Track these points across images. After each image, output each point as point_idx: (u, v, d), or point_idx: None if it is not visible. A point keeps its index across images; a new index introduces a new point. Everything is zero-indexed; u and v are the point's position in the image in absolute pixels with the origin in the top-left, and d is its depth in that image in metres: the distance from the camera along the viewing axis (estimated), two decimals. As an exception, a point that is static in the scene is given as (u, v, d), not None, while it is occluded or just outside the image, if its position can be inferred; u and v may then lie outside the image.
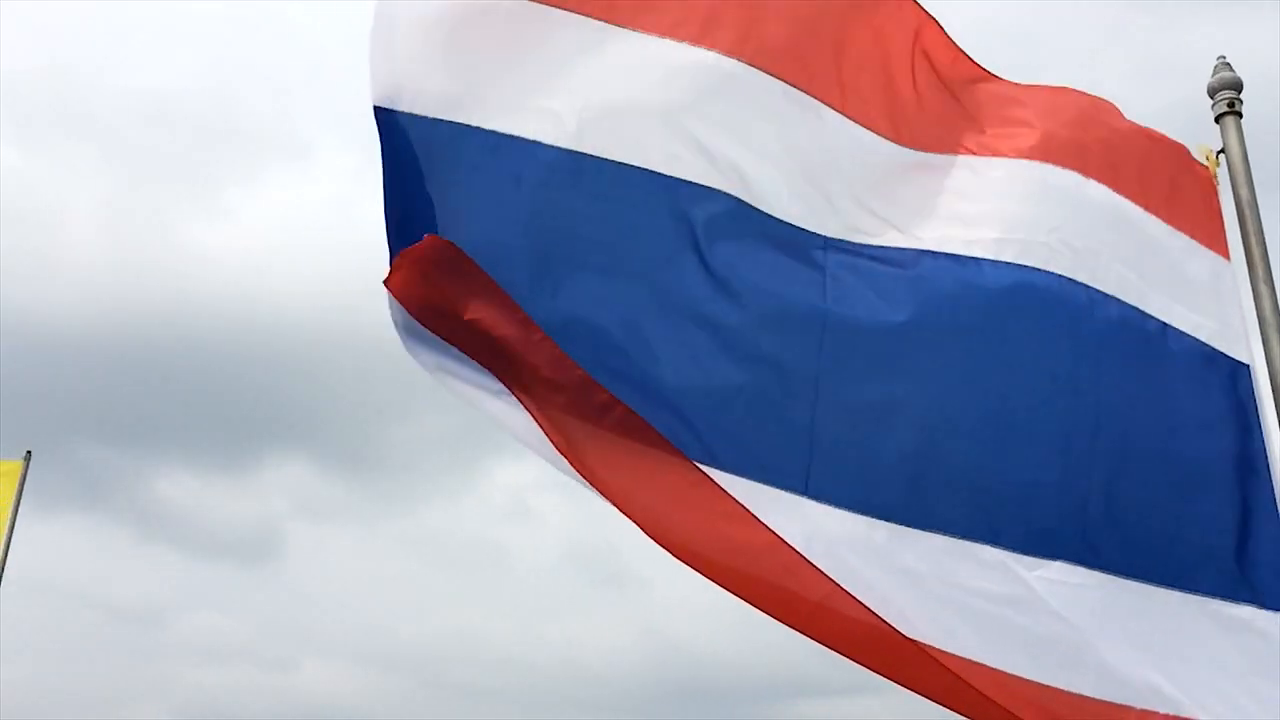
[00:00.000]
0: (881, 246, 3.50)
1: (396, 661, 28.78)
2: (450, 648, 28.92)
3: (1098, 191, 3.77)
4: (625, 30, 3.46)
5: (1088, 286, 3.59)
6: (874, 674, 3.09)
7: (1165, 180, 3.95)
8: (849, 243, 3.48)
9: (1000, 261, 3.53)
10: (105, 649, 25.26)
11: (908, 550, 3.12)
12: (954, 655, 3.02)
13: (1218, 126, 4.09)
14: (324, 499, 32.77)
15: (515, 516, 32.03)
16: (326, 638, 28.57)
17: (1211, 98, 4.09)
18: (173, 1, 34.38)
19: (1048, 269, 3.56)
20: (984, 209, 3.63)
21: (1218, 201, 3.99)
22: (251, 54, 35.02)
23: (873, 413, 3.25)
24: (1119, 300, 3.62)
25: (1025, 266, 3.54)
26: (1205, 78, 4.15)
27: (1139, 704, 3.10)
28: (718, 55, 3.49)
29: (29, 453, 10.18)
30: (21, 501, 10.05)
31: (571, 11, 3.45)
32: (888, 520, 3.15)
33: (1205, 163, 4.05)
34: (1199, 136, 4.16)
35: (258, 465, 32.92)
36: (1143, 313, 3.64)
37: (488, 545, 32.20)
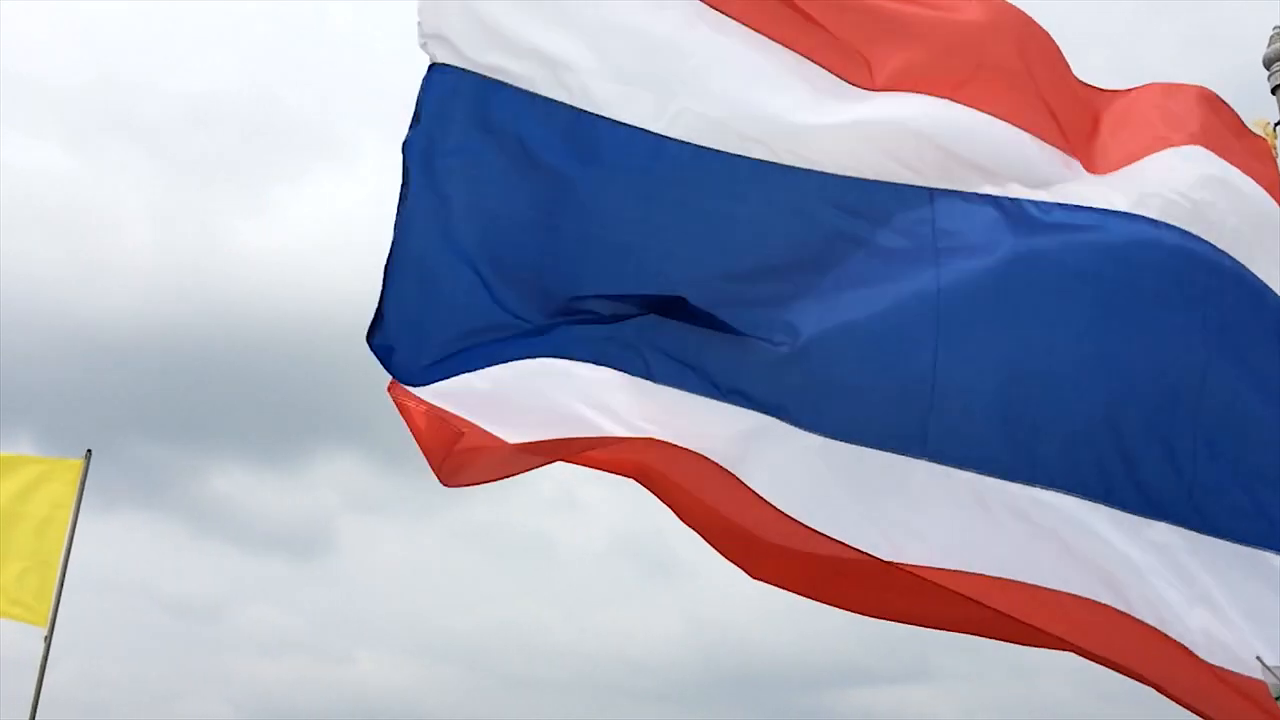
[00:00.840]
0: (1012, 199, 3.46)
1: (448, 653, 29.07)
2: (500, 639, 29.13)
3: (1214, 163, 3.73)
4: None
5: (1212, 245, 3.53)
6: (965, 633, 3.13)
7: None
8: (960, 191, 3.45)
9: (1131, 214, 3.48)
10: (164, 643, 25.71)
11: (1028, 505, 3.15)
12: (1066, 594, 3.06)
13: (1275, 98, 4.04)
14: (374, 493, 33.12)
15: (562, 508, 32.14)
16: (379, 630, 28.89)
17: (1268, 69, 4.04)
18: (213, 5, 34.82)
19: (1174, 223, 3.50)
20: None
21: (1276, 172, 3.93)
22: (292, 54, 35.40)
23: (992, 367, 3.26)
24: (1232, 258, 3.56)
25: (1154, 221, 3.49)
26: (1259, 50, 4.09)
27: (1236, 669, 3.08)
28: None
29: (89, 451, 10.38)
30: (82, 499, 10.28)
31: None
32: (1005, 479, 3.17)
33: (1262, 134, 4.00)
34: (1253, 109, 4.11)
35: (309, 461, 33.37)
36: (1250, 273, 3.59)
37: (536, 537, 32.39)
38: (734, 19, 3.47)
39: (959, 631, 3.30)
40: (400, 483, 34.74)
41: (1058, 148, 3.62)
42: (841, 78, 3.54)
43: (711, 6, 3.46)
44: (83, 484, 10.19)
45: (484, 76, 3.14)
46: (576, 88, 3.20)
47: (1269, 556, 3.30)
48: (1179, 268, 3.45)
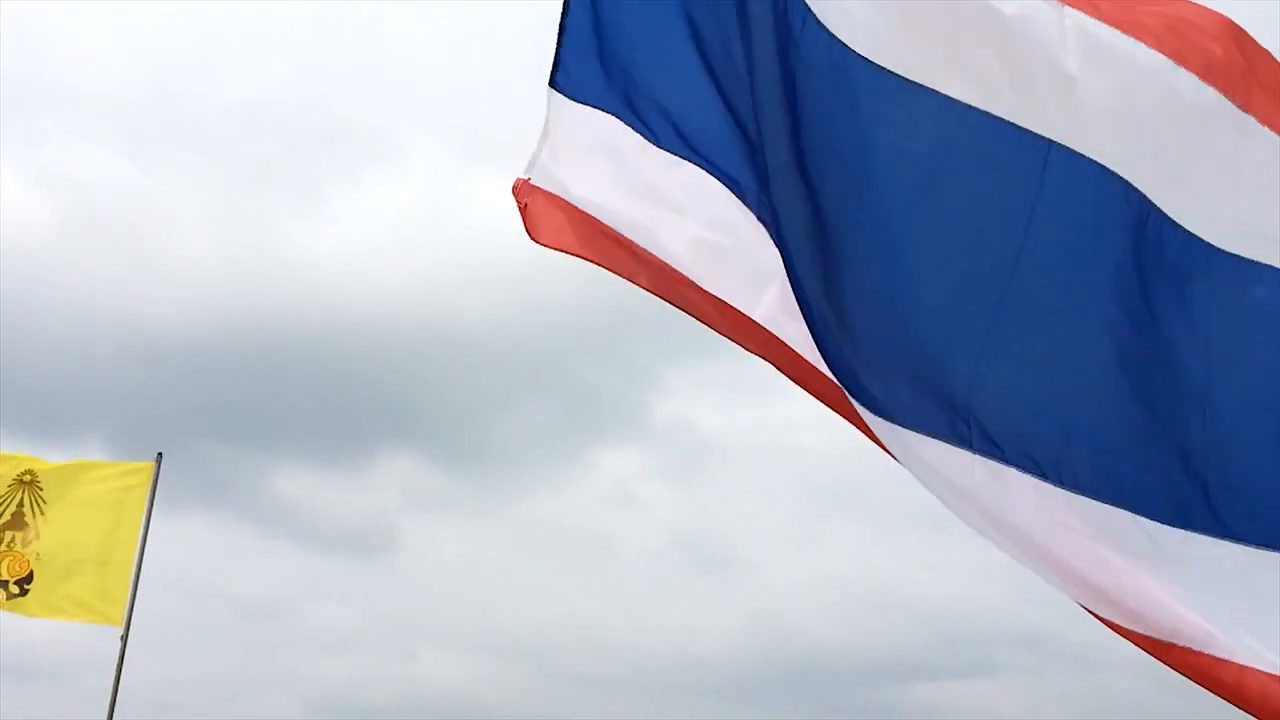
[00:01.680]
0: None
1: (510, 650, 29.30)
2: (561, 636, 29.29)
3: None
4: None
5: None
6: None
7: None
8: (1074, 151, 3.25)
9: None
10: (234, 641, 26.13)
11: (1062, 510, 3.15)
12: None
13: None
14: (434, 492, 33.38)
15: (620, 504, 32.25)
16: (442, 628, 29.17)
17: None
18: (263, 13, 35.29)
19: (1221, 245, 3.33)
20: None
21: None
22: (343, 57, 35.76)
23: (1043, 365, 3.23)
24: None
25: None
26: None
27: (1241, 659, 3.06)
28: None
29: (159, 454, 10.63)
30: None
31: None
32: (1042, 478, 3.17)
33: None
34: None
35: (369, 460, 33.70)
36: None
37: (594, 533, 32.50)
38: None
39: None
40: (460, 482, 35.10)
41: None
42: None
43: None
44: (154, 486, 10.44)
45: None
46: None
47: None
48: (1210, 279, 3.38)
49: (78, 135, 32.76)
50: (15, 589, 9.99)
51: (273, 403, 29.69)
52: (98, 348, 27.65)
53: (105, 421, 24.78)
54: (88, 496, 10.35)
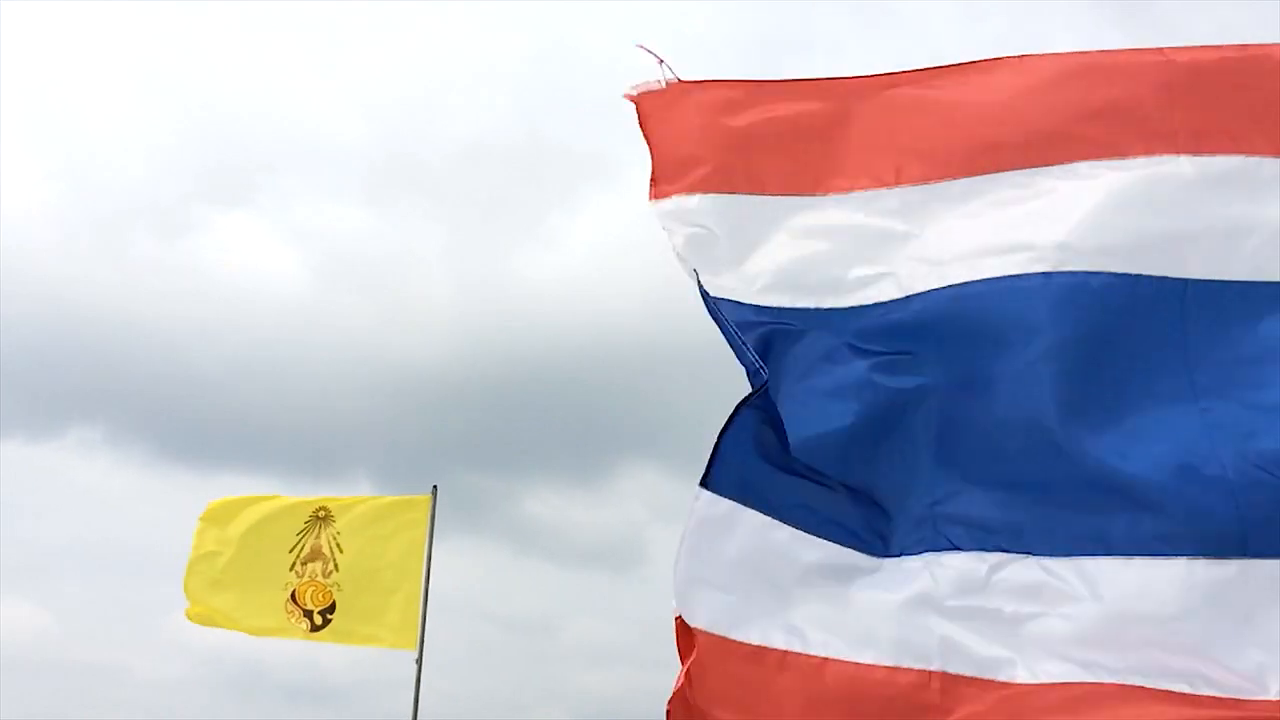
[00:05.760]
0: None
1: (767, 656, 29.30)
2: (817, 639, 29.07)
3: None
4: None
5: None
6: None
7: None
8: None
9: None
10: (506, 658, 27.16)
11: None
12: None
13: None
14: (678, 504, 33.74)
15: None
16: (698, 638, 29.51)
17: None
18: (477, 55, 36.84)
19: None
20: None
21: None
22: (553, 86, 36.83)
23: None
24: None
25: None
26: None
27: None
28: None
29: (435, 487, 11.23)
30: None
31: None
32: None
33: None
34: None
35: (612, 477, 34.45)
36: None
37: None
38: None
39: None
40: (701, 491, 35.37)
41: None
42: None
43: None
44: (433, 517, 11.03)
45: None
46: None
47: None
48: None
49: (322, 191, 34.96)
50: (319, 619, 10.74)
51: (516, 429, 30.77)
52: (356, 391, 29.36)
53: (370, 458, 26.27)
54: (375, 529, 11.02)
